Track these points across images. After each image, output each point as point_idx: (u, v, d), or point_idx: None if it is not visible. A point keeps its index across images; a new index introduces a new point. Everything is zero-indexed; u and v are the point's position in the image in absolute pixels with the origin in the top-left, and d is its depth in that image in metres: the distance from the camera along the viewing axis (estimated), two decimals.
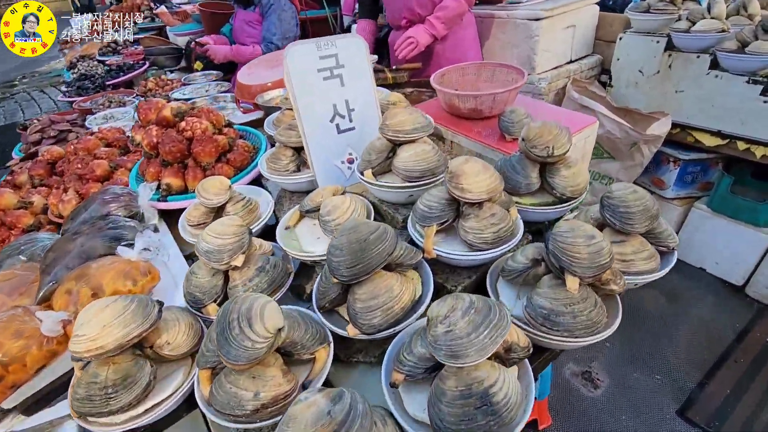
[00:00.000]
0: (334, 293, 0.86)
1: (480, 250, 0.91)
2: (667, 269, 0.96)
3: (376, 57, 2.50)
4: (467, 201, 0.91)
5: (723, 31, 2.30)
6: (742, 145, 2.40)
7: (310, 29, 4.83)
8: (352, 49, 1.24)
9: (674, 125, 2.66)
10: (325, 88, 1.21)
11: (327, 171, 1.27)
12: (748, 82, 2.26)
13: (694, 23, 2.37)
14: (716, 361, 2.20)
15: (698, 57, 2.43)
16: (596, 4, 2.85)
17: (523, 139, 1.08)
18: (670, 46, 2.53)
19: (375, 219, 1.09)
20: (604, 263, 0.77)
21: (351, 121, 1.28)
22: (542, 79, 2.70)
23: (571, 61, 2.89)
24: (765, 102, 2.23)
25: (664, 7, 2.51)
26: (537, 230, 1.19)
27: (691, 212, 2.73)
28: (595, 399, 2.05)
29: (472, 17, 2.70)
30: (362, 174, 1.13)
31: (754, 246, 2.48)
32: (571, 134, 1.08)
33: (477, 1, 3.00)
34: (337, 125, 1.26)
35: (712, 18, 2.32)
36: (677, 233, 2.89)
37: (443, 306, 0.68)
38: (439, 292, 0.93)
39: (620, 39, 2.76)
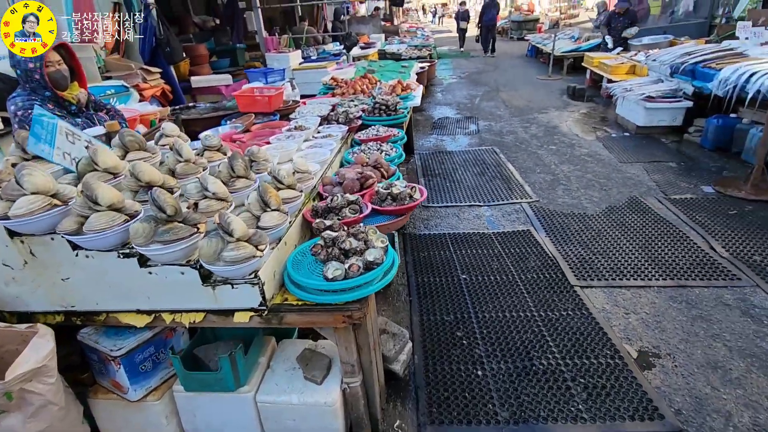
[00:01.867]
0: None
1: None
2: None
3: None
4: None
5: (56, 206, 1.71)
6: (168, 317, 1.92)
7: None
8: None
9: (98, 313, 1.97)
10: None
11: None
12: (119, 257, 1.77)
13: (14, 202, 1.67)
14: None
15: (53, 239, 1.77)
16: None
17: None
18: None
19: None
20: None
21: None
22: None
23: None
24: (150, 273, 1.79)
25: None
26: None
27: (174, 398, 2.12)
28: None
29: None
30: None
31: (246, 407, 2.09)
32: None
33: None
34: None
35: (31, 194, 1.68)
36: (184, 423, 2.27)
37: None
38: None
39: None
